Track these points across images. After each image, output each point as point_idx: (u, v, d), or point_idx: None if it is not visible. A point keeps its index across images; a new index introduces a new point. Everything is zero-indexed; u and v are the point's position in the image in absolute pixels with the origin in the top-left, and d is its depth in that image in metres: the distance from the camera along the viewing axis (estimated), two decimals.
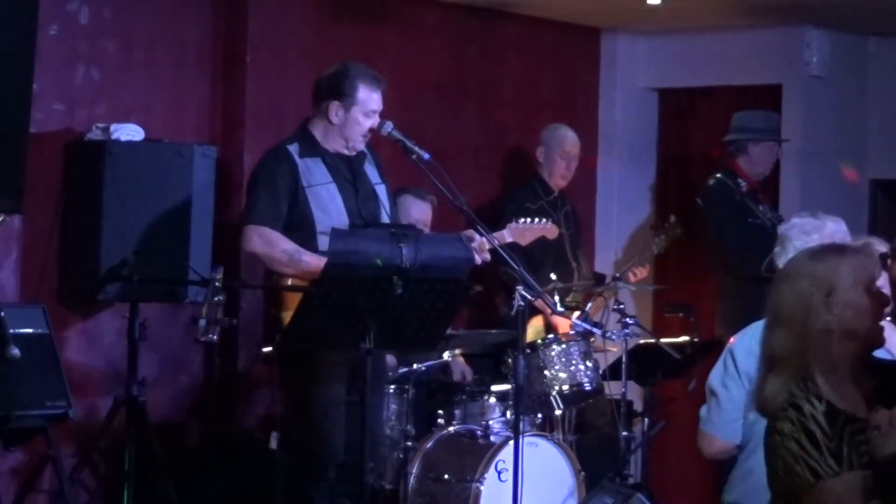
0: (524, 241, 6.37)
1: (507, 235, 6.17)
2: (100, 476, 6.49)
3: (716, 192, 7.47)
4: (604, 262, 8.58)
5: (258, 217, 5.62)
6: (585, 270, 7.65)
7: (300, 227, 5.57)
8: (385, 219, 5.70)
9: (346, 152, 5.74)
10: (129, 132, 6.38)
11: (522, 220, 6.39)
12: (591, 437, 7.30)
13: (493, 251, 5.74)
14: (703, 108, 8.82)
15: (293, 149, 5.70)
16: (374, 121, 5.71)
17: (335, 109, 5.71)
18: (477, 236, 5.71)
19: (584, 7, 8.08)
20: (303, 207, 5.62)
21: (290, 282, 5.58)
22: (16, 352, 5.78)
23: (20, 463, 6.32)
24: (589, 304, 7.32)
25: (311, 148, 5.72)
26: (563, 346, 6.73)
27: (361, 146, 5.73)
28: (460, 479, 6.23)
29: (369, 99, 5.71)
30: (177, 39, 6.90)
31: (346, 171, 5.73)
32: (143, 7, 6.80)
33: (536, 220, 6.46)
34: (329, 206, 5.62)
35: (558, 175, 7.70)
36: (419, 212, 6.71)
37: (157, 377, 6.75)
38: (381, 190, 5.82)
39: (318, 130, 5.75)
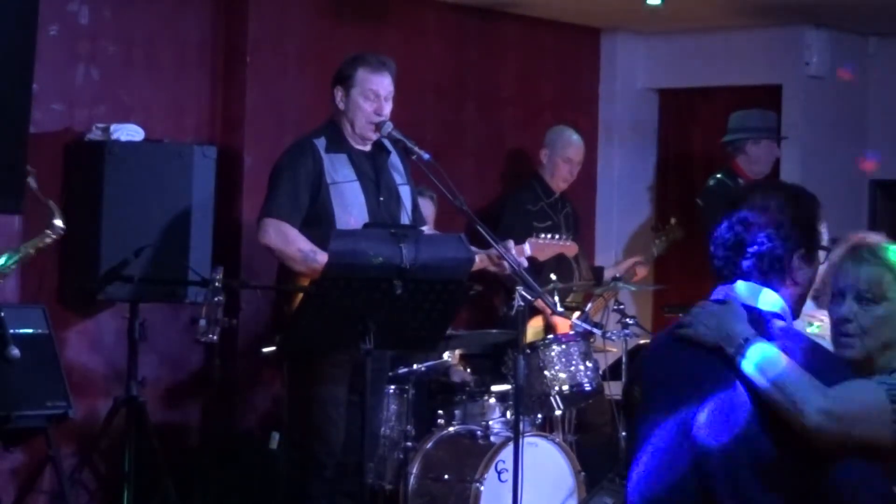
0: (543, 256, 6.36)
1: (527, 249, 6.15)
2: (100, 476, 6.50)
3: (716, 193, 7.46)
4: (604, 262, 8.57)
5: (277, 211, 5.59)
6: (585, 271, 7.65)
7: (320, 223, 5.54)
8: (405, 221, 5.67)
9: (363, 147, 5.72)
10: (129, 132, 6.38)
11: (543, 235, 6.37)
12: (591, 437, 7.30)
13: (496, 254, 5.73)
14: (703, 108, 8.82)
15: (320, 143, 5.66)
16: (377, 105, 5.65)
17: (339, 95, 5.70)
18: (511, 244, 5.72)
19: (584, 7, 8.09)
20: (324, 203, 5.59)
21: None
22: (16, 352, 5.79)
23: (20, 463, 6.33)
24: (589, 305, 7.32)
25: (338, 143, 5.68)
26: (563, 346, 6.73)
27: (370, 133, 5.69)
28: (460, 479, 6.24)
29: (367, 80, 5.65)
30: (177, 39, 6.90)
31: (371, 169, 5.71)
32: (143, 7, 6.80)
33: (556, 236, 6.45)
34: (351, 205, 5.60)
35: (560, 178, 7.68)
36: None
37: (157, 377, 6.75)
38: (405, 191, 5.79)
39: (340, 123, 5.74)
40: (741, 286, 3.17)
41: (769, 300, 3.13)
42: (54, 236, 5.51)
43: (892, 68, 8.56)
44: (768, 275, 3.14)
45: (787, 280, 3.14)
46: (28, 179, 5.37)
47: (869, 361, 3.16)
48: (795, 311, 3.17)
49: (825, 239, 3.19)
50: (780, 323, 3.11)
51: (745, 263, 3.16)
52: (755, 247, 3.15)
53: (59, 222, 5.44)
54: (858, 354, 3.16)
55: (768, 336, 3.05)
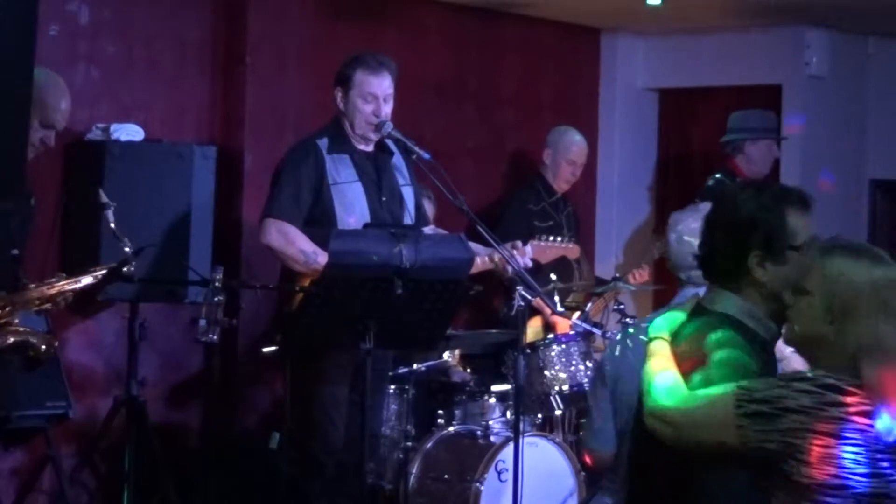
0: (545, 258, 6.36)
1: (529, 252, 6.15)
2: (100, 476, 6.50)
3: (715, 193, 7.46)
4: (604, 262, 8.59)
5: (279, 211, 5.60)
6: (586, 272, 7.65)
7: (321, 224, 5.55)
8: (408, 222, 5.68)
9: (366, 147, 5.73)
10: (129, 132, 6.38)
11: (545, 238, 6.38)
12: None
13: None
14: (703, 108, 8.82)
15: (322, 144, 5.67)
16: (375, 107, 5.66)
17: (339, 96, 5.71)
18: (519, 243, 5.71)
19: (584, 7, 8.09)
20: (326, 204, 5.60)
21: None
22: None
23: (20, 463, 6.33)
24: (589, 305, 7.32)
25: (340, 144, 5.68)
26: (563, 346, 6.73)
27: (370, 134, 5.69)
28: (460, 479, 6.24)
29: (366, 82, 5.66)
30: (177, 39, 6.90)
31: (373, 170, 5.72)
32: (143, 7, 6.80)
33: (559, 239, 6.46)
34: (352, 205, 5.60)
35: (563, 180, 7.70)
36: None
37: (157, 377, 6.75)
38: (408, 192, 5.80)
39: (342, 123, 5.75)
40: (704, 289, 3.21)
41: (724, 303, 3.12)
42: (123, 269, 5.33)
43: (892, 68, 8.56)
44: (723, 276, 3.14)
45: (744, 281, 3.11)
46: (106, 213, 5.30)
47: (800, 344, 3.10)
48: (770, 312, 3.12)
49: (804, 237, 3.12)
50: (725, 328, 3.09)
51: (707, 265, 3.19)
52: (710, 248, 3.17)
53: (130, 253, 5.27)
54: (787, 335, 3.11)
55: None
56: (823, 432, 2.87)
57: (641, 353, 3.40)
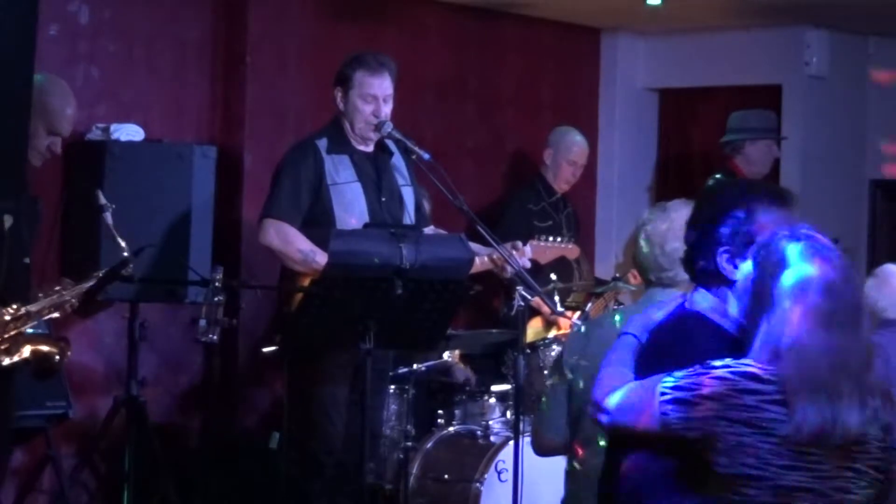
0: (544, 259, 6.36)
1: (528, 252, 6.15)
2: (100, 476, 6.50)
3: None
4: (604, 262, 8.59)
5: (278, 211, 5.60)
6: (586, 272, 7.65)
7: (320, 224, 5.55)
8: (408, 222, 5.68)
9: (366, 147, 5.73)
10: (129, 132, 6.38)
11: (544, 238, 6.38)
12: None
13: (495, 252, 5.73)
14: (703, 108, 8.82)
15: (321, 144, 5.67)
16: (375, 107, 5.66)
17: (339, 96, 5.71)
18: (519, 243, 5.71)
19: (584, 7, 8.09)
20: (324, 204, 5.60)
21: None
22: None
23: (20, 463, 6.32)
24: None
25: (340, 144, 5.68)
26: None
27: (370, 134, 5.69)
28: (460, 479, 6.23)
29: (365, 82, 5.66)
30: (177, 39, 6.90)
31: (373, 170, 5.72)
32: (143, 7, 6.80)
33: (558, 239, 6.46)
34: (351, 206, 5.61)
35: (563, 180, 7.71)
36: None
37: (157, 377, 6.75)
38: (408, 192, 5.79)
39: (342, 123, 5.75)
40: (671, 290, 3.25)
41: (698, 301, 3.10)
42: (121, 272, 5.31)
43: (893, 68, 8.56)
44: (699, 274, 3.11)
45: (718, 279, 3.06)
46: (105, 214, 5.29)
47: None
48: (742, 309, 3.09)
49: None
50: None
51: (686, 264, 3.17)
52: (687, 246, 3.14)
53: (129, 255, 5.25)
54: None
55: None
56: (736, 420, 2.83)
57: (602, 347, 3.42)
